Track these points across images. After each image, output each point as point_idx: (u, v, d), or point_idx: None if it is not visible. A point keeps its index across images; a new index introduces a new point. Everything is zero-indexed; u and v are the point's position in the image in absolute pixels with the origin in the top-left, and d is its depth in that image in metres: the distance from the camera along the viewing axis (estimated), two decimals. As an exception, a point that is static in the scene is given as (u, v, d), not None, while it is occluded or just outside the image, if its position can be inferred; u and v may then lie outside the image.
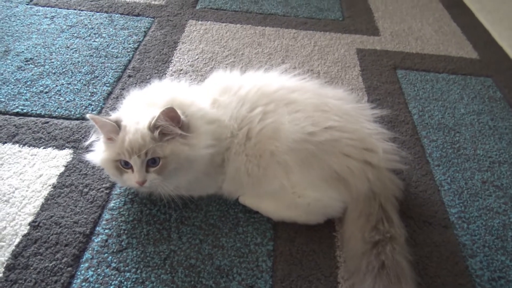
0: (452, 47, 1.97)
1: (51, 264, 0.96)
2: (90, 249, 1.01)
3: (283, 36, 1.93)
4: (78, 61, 1.64)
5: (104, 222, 1.07)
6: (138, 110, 1.02)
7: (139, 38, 1.82)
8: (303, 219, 1.09)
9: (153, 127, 0.94)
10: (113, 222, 1.07)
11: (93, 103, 1.44)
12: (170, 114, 0.94)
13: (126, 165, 0.97)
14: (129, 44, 1.77)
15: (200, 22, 1.99)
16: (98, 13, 1.97)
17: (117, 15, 1.97)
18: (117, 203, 1.12)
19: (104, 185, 1.16)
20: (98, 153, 1.03)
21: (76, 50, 1.70)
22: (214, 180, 1.12)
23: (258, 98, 1.09)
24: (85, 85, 1.52)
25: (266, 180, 1.06)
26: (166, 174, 0.97)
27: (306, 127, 1.04)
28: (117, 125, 0.96)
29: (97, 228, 1.05)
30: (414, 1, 2.40)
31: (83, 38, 1.78)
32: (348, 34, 2.00)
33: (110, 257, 0.99)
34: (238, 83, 1.14)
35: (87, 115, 0.96)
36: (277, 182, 1.05)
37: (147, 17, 1.99)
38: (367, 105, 1.17)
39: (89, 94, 1.48)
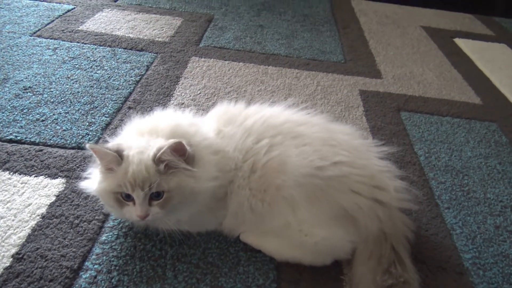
0: (454, 92, 1.97)
1: (32, 302, 0.87)
2: (77, 285, 0.92)
3: (286, 75, 1.92)
4: (78, 91, 1.61)
5: (94, 256, 0.99)
6: (139, 138, 0.96)
7: (141, 72, 1.80)
8: (309, 260, 1.01)
9: (158, 160, 0.89)
10: (104, 257, 0.99)
11: (90, 133, 1.39)
12: (177, 148, 0.89)
13: (127, 197, 0.91)
14: (131, 77, 1.76)
15: (203, 59, 1.99)
16: (101, 47, 1.97)
17: (120, 49, 1.96)
18: (110, 236, 1.04)
19: (96, 217, 1.08)
20: (94, 182, 0.96)
21: (76, 81, 1.68)
22: (215, 216, 1.06)
23: (264, 130, 1.05)
24: (83, 114, 1.48)
25: (271, 216, 1.00)
26: (169, 208, 0.91)
27: (314, 161, 0.99)
28: (119, 155, 0.90)
29: (86, 263, 0.97)
30: (415, 48, 2.43)
31: (85, 70, 1.76)
32: (350, 76, 2.00)
33: (98, 296, 0.90)
34: (243, 114, 1.11)
35: (87, 145, 0.90)
36: (282, 219, 0.99)
37: (150, 52, 1.98)
38: (375, 142, 1.13)
39: (87, 124, 1.43)
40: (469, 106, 1.86)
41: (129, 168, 0.88)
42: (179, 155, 0.89)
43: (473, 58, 2.38)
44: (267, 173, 1.00)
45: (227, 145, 1.03)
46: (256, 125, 1.07)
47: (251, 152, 1.02)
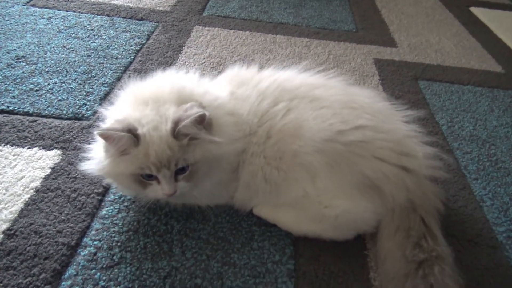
0: (474, 60, 1.86)
1: (25, 281, 0.79)
2: (74, 263, 0.83)
3: (295, 44, 1.81)
4: (75, 61, 1.51)
5: (93, 232, 0.90)
6: (144, 108, 0.85)
7: (142, 41, 1.69)
8: (329, 235, 0.92)
9: (179, 134, 0.79)
10: (104, 233, 0.90)
11: (88, 103, 1.29)
12: (200, 120, 0.79)
13: (150, 177, 0.81)
14: (131, 46, 1.65)
15: (207, 28, 1.87)
16: (99, 16, 1.85)
17: (119, 19, 1.85)
18: (110, 210, 0.95)
19: (96, 190, 0.99)
20: (100, 162, 0.85)
21: (73, 50, 1.57)
22: (226, 188, 0.96)
23: (280, 93, 0.95)
24: (80, 84, 1.38)
25: (287, 186, 0.90)
26: (196, 179, 0.83)
27: (334, 124, 0.89)
28: (134, 136, 0.78)
29: (85, 239, 0.88)
30: (429, 16, 2.31)
31: (81, 39, 1.66)
32: (363, 45, 1.88)
33: (98, 274, 0.82)
34: (256, 78, 1.01)
35: (95, 133, 0.78)
36: (300, 189, 0.89)
37: (150, 21, 1.87)
38: (399, 106, 1.02)
39: (85, 93, 1.33)
40: (491, 75, 1.75)
41: (150, 149, 0.78)
42: (201, 126, 0.80)
43: (491, 27, 2.25)
44: (282, 139, 0.90)
45: (241, 108, 0.93)
46: (270, 88, 0.96)
47: (267, 116, 0.92)
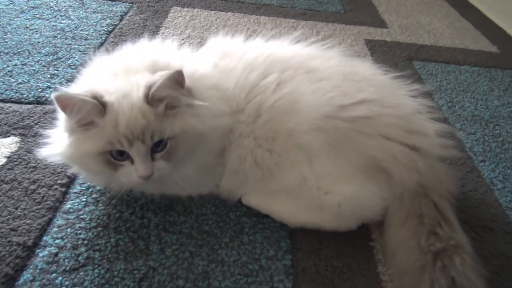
0: (468, 41, 1.77)
1: (-31, 290, 0.65)
2: (31, 266, 0.70)
3: (281, 25, 1.69)
4: (38, 42, 1.36)
5: (55, 229, 0.77)
6: (112, 78, 0.73)
7: (114, 22, 1.55)
8: (330, 225, 0.81)
9: (153, 100, 0.67)
10: (68, 230, 0.77)
11: (52, 86, 1.15)
12: (178, 79, 0.67)
13: (120, 155, 0.69)
14: (102, 27, 1.51)
15: (186, 8, 1.74)
16: (67, -4, 1.69)
17: (88, 0, 1.70)
18: (76, 204, 0.82)
19: (59, 181, 0.86)
20: (62, 146, 0.72)
21: (36, 31, 1.42)
22: (211, 175, 0.84)
23: (270, 64, 0.83)
24: (44, 66, 1.23)
25: (281, 171, 0.79)
26: (176, 159, 0.71)
27: (335, 98, 0.78)
28: (100, 104, 0.66)
29: (45, 238, 0.75)
30: (418, -2, 2.22)
31: (47, 19, 1.51)
32: (353, 26, 1.78)
33: (60, 278, 0.68)
34: (243, 48, 0.88)
35: (52, 95, 0.64)
36: (296, 174, 0.78)
37: (124, 2, 1.73)
38: (402, 79, 0.91)
39: (49, 76, 1.19)
40: (486, 55, 1.66)
41: (120, 118, 0.66)
42: (181, 89, 0.69)
43: (481, 9, 2.18)
44: (275, 116, 0.78)
45: (226, 81, 0.81)
46: (259, 59, 0.84)
47: (256, 90, 0.80)
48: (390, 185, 0.78)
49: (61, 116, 0.70)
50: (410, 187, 0.78)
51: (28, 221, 0.77)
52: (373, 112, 0.78)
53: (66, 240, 0.75)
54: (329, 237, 0.81)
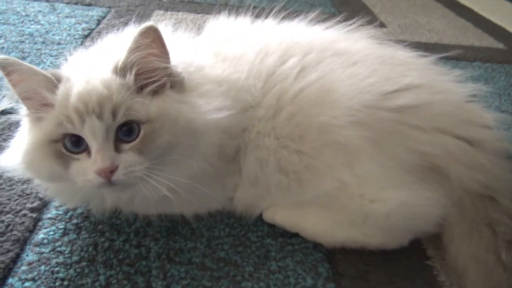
0: (472, 38, 1.68)
1: None
2: (-10, 322, 0.51)
3: (275, 27, 1.55)
4: (3, 47, 1.18)
5: (24, 268, 0.58)
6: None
7: (91, 26, 1.39)
8: (377, 242, 0.65)
9: (122, 68, 0.53)
10: (42, 267, 0.58)
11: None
12: (154, 37, 0.52)
13: (75, 146, 0.53)
14: (77, 31, 1.34)
15: (169, 12, 1.60)
16: (36, 2, 1.53)
17: (61, 4, 1.53)
18: (51, 233, 0.63)
19: (28, 205, 0.67)
20: (16, 147, 0.57)
21: (1, 36, 1.24)
22: (221, 186, 0.67)
23: (288, 47, 0.68)
24: (9, 73, 1.04)
25: (313, 176, 0.63)
26: (152, 152, 0.53)
27: (376, 84, 0.63)
28: (55, 78, 0.53)
29: (10, 281, 0.56)
30: (411, 1, 2.14)
31: (13, 25, 1.34)
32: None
33: (31, 337, 0.49)
34: (250, 31, 0.73)
35: None
36: (333, 179, 0.63)
37: (100, 6, 1.57)
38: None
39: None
40: (495, 51, 1.57)
41: (73, 89, 0.52)
42: (160, 54, 0.54)
43: (475, 10, 2.11)
44: (303, 109, 0.63)
45: (234, 71, 0.65)
46: (273, 43, 0.69)
47: (274, 78, 0.65)
48: (446, 188, 0.64)
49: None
50: (471, 190, 0.63)
51: (-13, 259, 0.58)
52: (422, 100, 0.64)
53: (39, 282, 0.56)
54: (377, 258, 0.65)
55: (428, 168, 0.63)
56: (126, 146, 0.52)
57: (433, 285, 0.62)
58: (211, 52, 0.68)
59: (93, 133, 0.50)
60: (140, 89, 0.54)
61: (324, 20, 0.82)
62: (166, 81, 0.55)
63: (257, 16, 0.80)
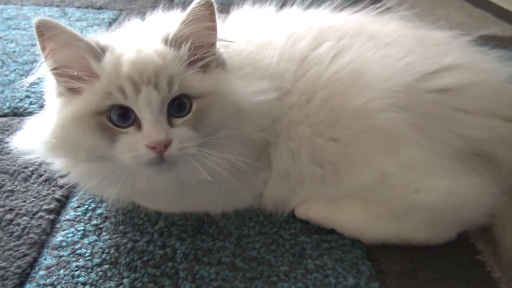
0: (495, 28, 1.61)
1: None
2: (7, 332, 0.46)
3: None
4: (14, 51, 1.16)
5: (42, 272, 0.54)
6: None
7: (102, 29, 1.36)
8: (422, 236, 0.59)
9: (175, 40, 0.50)
10: (61, 271, 0.54)
11: (32, 95, 0.93)
12: (212, 11, 0.50)
13: (122, 119, 0.49)
14: (88, 33, 1.30)
15: (181, 13, 1.55)
16: (46, 7, 1.52)
17: (71, 9, 1.51)
18: (70, 235, 0.59)
19: (45, 207, 0.63)
20: (38, 127, 0.55)
21: (12, 41, 1.22)
22: (248, 182, 0.62)
23: (319, 32, 0.64)
24: (21, 75, 1.03)
25: (350, 166, 0.59)
26: (204, 130, 0.51)
27: (413, 64, 0.59)
28: (98, 46, 0.49)
29: (28, 286, 0.51)
30: (424, -5, 2.09)
31: (24, 29, 1.31)
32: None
33: None
34: (277, 19, 0.69)
35: (34, 20, 0.47)
36: (372, 168, 0.58)
37: (111, 10, 1.54)
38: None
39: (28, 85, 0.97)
40: (518, 40, 1.50)
41: (124, 58, 0.49)
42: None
43: (494, 1, 2.05)
44: (337, 92, 0.58)
45: (266, 56, 0.60)
46: (302, 29, 0.65)
47: (307, 63, 0.60)
48: (496, 174, 0.58)
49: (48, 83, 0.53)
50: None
51: (3, 264, 0.54)
52: (465, 80, 0.59)
53: (59, 287, 0.51)
54: (422, 254, 0.59)
55: (475, 154, 0.58)
56: (179, 121, 0.50)
57: (488, 282, 0.56)
58: (243, 37, 0.64)
59: (148, 104, 0.47)
60: (191, 64, 0.51)
61: (347, 6, 0.78)
62: (214, 59, 0.53)
63: (281, 6, 0.75)
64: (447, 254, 0.59)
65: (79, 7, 1.53)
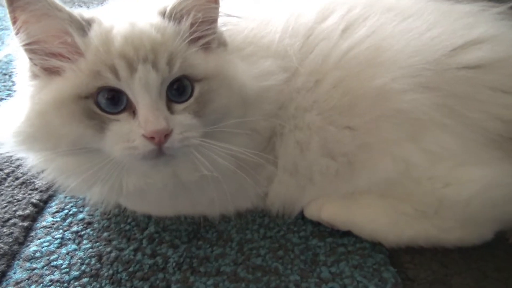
0: None
1: None
2: None
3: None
4: None
5: (10, 288, 0.45)
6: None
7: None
8: (454, 236, 0.51)
9: (174, 13, 0.44)
10: (32, 287, 0.45)
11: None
12: None
13: (113, 104, 0.42)
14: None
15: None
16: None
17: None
18: (45, 244, 0.52)
19: (19, 212, 0.55)
20: (6, 116, 0.46)
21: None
22: (252, 180, 0.54)
23: (326, 4, 0.56)
24: (5, 74, 0.95)
25: (368, 157, 0.51)
26: (208, 117, 0.44)
27: (439, 38, 0.51)
28: (83, 20, 0.42)
29: (-8, 306, 0.44)
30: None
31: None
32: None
33: None
34: None
35: None
36: (394, 158, 0.50)
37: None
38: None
39: (11, 84, 0.90)
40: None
41: (114, 33, 0.42)
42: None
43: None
44: (351, 73, 0.51)
45: (268, 33, 0.53)
46: (307, 3, 0.57)
47: (314, 38, 0.53)
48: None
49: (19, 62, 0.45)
50: None
51: (-36, 280, 0.46)
52: (499, 54, 0.51)
53: (28, 306, 0.44)
54: (455, 257, 0.51)
55: (509, 140, 0.49)
56: (179, 107, 0.43)
57: (535, 288, 0.48)
58: (241, 14, 0.56)
59: (145, 86, 0.40)
60: (192, 41, 0.44)
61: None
62: (215, 37, 0.46)
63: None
64: (484, 256, 0.51)
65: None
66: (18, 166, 0.63)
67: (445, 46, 0.50)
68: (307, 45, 0.52)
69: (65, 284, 0.46)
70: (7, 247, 0.51)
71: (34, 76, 0.44)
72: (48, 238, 0.52)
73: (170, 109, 0.42)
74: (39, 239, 0.52)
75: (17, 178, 0.62)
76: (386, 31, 0.52)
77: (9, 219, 0.55)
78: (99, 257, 0.50)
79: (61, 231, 0.53)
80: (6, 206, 0.56)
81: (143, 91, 0.40)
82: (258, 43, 0.53)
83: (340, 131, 0.50)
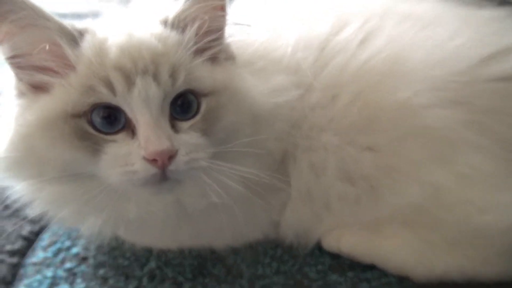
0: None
1: None
2: None
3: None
4: None
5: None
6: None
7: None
8: (494, 270, 0.47)
9: (177, 22, 0.41)
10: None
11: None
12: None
13: (108, 124, 0.38)
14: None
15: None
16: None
17: None
18: (35, 284, 0.47)
19: (7, 247, 0.51)
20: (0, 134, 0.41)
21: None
22: (263, 208, 0.49)
23: (340, 15, 0.52)
24: None
25: (391, 182, 0.46)
26: (216, 136, 0.41)
27: (466, 46, 0.46)
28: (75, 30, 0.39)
29: None
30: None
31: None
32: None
33: None
34: (287, 2, 0.57)
35: None
36: (422, 183, 0.45)
37: None
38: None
39: None
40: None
41: (109, 44, 0.38)
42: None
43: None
44: (369, 85, 0.47)
45: (278, 47, 0.49)
46: (319, 11, 0.53)
47: (330, 51, 0.48)
48: None
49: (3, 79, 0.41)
50: None
51: None
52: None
53: None
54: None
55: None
56: (185, 125, 0.40)
57: None
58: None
59: (145, 101, 0.37)
60: (197, 52, 0.41)
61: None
62: (222, 49, 0.43)
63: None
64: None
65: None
66: (8, 194, 0.58)
67: (472, 56, 0.46)
68: (322, 58, 0.48)
69: (55, 332, 0.41)
70: (-8, 288, 0.46)
71: (21, 94, 0.40)
72: (38, 276, 0.47)
73: (174, 128, 0.39)
74: (28, 277, 0.48)
75: (7, 207, 0.57)
76: (405, 40, 0.48)
77: (-6, 254, 0.50)
78: (94, 299, 0.45)
79: (52, 268, 0.48)
80: (-9, 240, 0.52)
81: (142, 106, 0.37)
82: (269, 57, 0.49)
83: (359, 152, 0.46)
